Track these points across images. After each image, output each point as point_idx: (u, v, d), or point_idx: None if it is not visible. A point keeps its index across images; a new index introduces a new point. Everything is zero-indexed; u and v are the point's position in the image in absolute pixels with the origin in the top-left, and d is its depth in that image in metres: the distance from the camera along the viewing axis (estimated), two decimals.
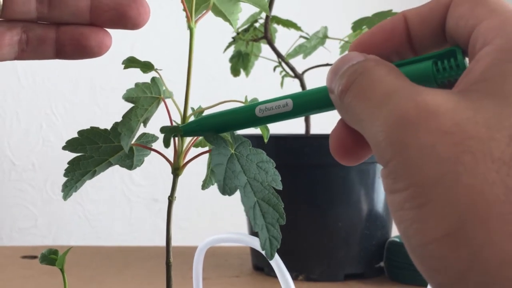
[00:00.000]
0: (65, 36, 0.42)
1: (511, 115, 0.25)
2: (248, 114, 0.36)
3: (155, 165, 1.51)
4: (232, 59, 1.00)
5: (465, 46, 0.29)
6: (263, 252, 0.43)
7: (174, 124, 0.42)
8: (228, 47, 0.99)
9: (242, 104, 0.41)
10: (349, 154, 0.33)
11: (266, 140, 0.42)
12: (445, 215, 0.25)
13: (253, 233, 0.98)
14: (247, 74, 1.00)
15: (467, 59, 0.30)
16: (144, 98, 0.40)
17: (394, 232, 0.96)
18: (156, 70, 0.42)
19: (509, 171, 0.24)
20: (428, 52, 0.32)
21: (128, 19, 0.40)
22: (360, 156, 0.33)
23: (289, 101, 0.35)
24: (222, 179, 0.38)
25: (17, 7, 0.41)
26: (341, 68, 0.31)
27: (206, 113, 0.42)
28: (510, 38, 0.27)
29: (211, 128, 0.39)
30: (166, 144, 0.40)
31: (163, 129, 0.40)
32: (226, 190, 0.38)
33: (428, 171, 0.25)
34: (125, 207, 1.57)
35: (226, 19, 0.45)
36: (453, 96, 0.27)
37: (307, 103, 0.35)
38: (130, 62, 0.41)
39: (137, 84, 0.40)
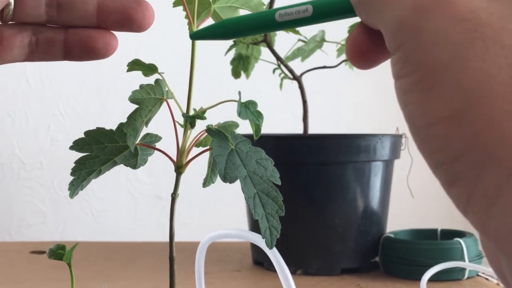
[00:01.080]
0: (73, 38, 0.42)
1: None
2: (268, 18, 0.35)
3: (158, 164, 1.51)
4: (233, 62, 1.00)
5: None
6: (262, 246, 0.43)
7: (177, 125, 0.42)
8: (229, 50, 0.99)
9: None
10: (364, 57, 0.33)
11: (256, 137, 0.42)
12: (452, 96, 0.25)
13: (253, 229, 0.97)
14: (247, 76, 1.00)
15: None
16: (148, 99, 0.40)
17: (389, 228, 0.96)
18: (159, 73, 0.42)
19: None
20: None
21: (134, 22, 0.40)
22: (373, 60, 0.33)
23: (309, 6, 0.34)
24: (223, 168, 0.39)
25: (28, 11, 0.42)
26: None
27: (207, 113, 0.42)
28: None
29: (228, 32, 0.38)
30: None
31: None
32: (227, 178, 0.39)
33: (439, 54, 0.26)
34: (130, 204, 1.57)
35: None
36: None
37: (327, 8, 0.34)
38: (134, 65, 0.41)
39: (141, 86, 0.41)
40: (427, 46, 0.26)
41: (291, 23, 0.35)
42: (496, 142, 0.24)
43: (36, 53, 0.43)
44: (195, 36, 0.40)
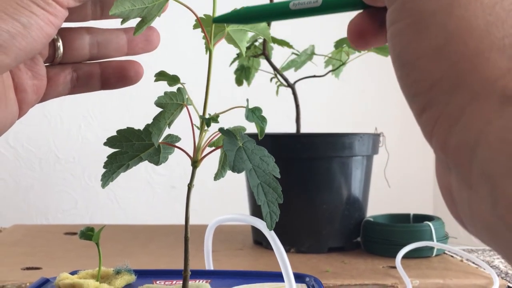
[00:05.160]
0: (108, 70, 0.44)
1: None
2: (283, 6, 0.35)
3: (173, 158, 1.51)
4: (236, 72, 1.00)
5: None
6: (261, 228, 0.43)
7: (194, 127, 0.43)
8: (233, 61, 1.00)
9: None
10: (362, 38, 0.34)
11: (260, 137, 0.43)
12: (437, 35, 0.27)
13: (254, 214, 0.97)
14: (248, 84, 1.00)
15: None
16: (171, 104, 0.41)
17: (369, 213, 0.96)
18: (181, 83, 0.42)
19: (491, 11, 0.26)
20: None
21: (153, 45, 0.44)
22: (369, 41, 0.34)
23: None
24: (233, 161, 0.40)
25: (75, 53, 0.43)
26: None
27: (220, 117, 0.43)
28: None
29: (247, 18, 0.38)
30: None
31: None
32: (235, 169, 0.40)
33: (430, 3, 0.27)
34: (148, 193, 1.57)
35: (236, 45, 0.46)
36: None
37: (335, 0, 0.34)
38: (161, 76, 0.42)
39: (165, 93, 0.41)
40: None
41: (303, 12, 0.34)
42: (467, 72, 0.26)
43: (77, 87, 0.45)
44: (218, 20, 0.40)
